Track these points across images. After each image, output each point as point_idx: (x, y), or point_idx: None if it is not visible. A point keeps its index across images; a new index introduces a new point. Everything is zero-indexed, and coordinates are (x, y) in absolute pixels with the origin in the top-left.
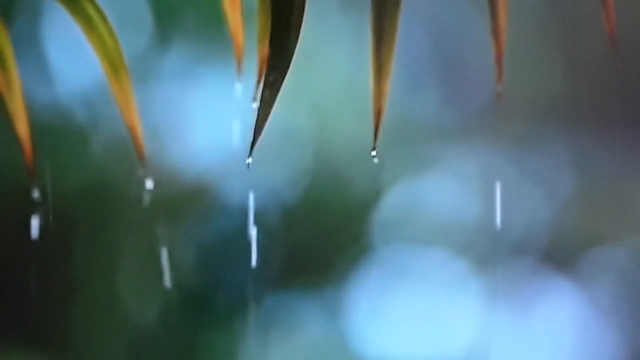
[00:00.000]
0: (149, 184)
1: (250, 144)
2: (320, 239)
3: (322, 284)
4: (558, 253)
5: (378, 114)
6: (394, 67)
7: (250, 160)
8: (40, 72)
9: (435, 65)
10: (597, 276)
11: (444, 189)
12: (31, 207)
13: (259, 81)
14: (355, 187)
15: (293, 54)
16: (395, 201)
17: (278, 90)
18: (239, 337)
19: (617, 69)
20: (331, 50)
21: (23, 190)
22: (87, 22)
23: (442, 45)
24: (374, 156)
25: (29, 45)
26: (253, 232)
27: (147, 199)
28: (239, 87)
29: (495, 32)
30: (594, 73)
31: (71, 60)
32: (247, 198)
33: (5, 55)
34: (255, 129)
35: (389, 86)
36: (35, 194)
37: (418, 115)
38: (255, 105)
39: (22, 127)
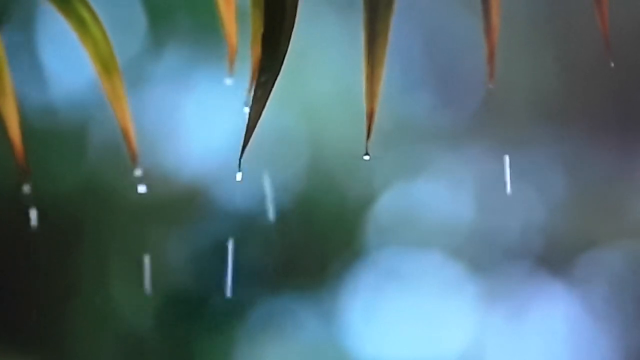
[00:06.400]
0: (142, 188)
1: (242, 145)
2: (314, 242)
3: (316, 287)
4: (552, 256)
5: (371, 116)
6: (387, 70)
7: (241, 161)
8: (33, 75)
9: (428, 67)
10: (591, 279)
11: (437, 192)
12: (24, 209)
13: (251, 84)
14: (349, 190)
15: (285, 55)
16: (389, 204)
17: (270, 91)
18: (233, 340)
19: (610, 70)
20: (324, 53)
21: (17, 193)
22: (80, 25)
23: (435, 48)
24: (366, 154)
25: (23, 48)
26: (241, 234)
27: (140, 197)
28: (229, 84)
29: (488, 31)
30: (587, 75)
31: (65, 63)
32: (240, 201)
33: None
34: (247, 129)
35: (382, 88)
36: (28, 196)
37: (411, 118)
38: (247, 109)
39: (15, 132)
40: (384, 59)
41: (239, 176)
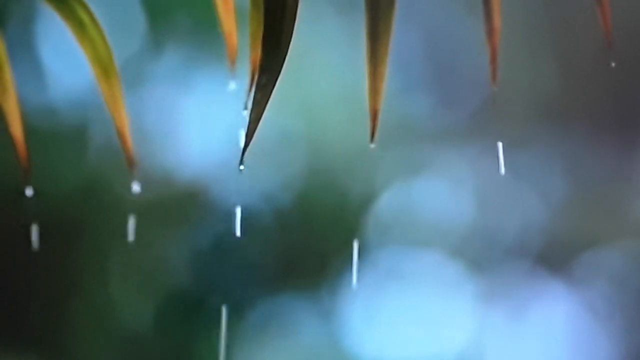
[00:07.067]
0: (136, 187)
1: (242, 147)
2: (314, 242)
3: (316, 286)
4: (552, 255)
5: (374, 114)
6: (388, 69)
7: (242, 163)
8: (34, 75)
9: (429, 67)
10: (591, 278)
11: (438, 191)
12: (25, 209)
13: (250, 84)
14: (349, 189)
15: (285, 57)
16: (389, 203)
17: (270, 93)
18: (233, 340)
19: (610, 70)
20: (324, 53)
21: (18, 194)
22: (79, 27)
23: (436, 48)
24: (370, 149)
25: (23, 48)
26: (241, 233)
27: (139, 197)
28: (232, 87)
29: (490, 33)
30: (587, 75)
31: (65, 64)
32: (240, 201)
33: None
34: (247, 131)
35: (385, 86)
36: (30, 193)
37: (412, 117)
38: (246, 112)
39: (17, 129)
40: (387, 57)
41: (241, 167)
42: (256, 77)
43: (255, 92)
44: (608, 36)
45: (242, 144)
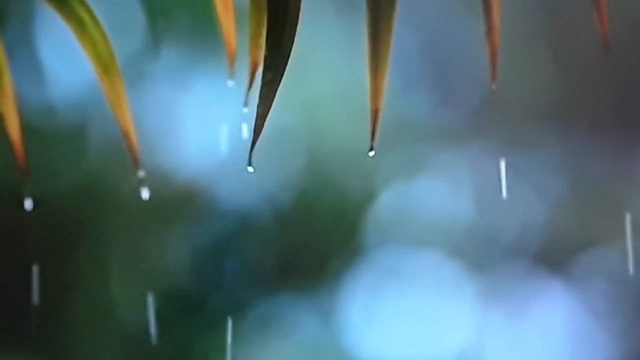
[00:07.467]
0: (145, 193)
1: (250, 143)
2: (314, 241)
3: (315, 286)
4: (551, 255)
5: (375, 113)
6: (388, 69)
7: (250, 160)
8: (33, 75)
9: (428, 67)
10: (591, 278)
11: (437, 191)
12: (25, 209)
13: (250, 84)
14: (348, 189)
15: (290, 51)
16: (388, 203)
17: (276, 89)
18: (232, 339)
19: (609, 70)
20: (324, 52)
21: (16, 193)
22: (79, 26)
23: (435, 48)
24: (371, 155)
25: (23, 48)
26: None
27: (136, 201)
28: (230, 85)
29: (489, 32)
30: (587, 75)
31: (65, 63)
32: (240, 200)
33: None
34: (254, 127)
35: (385, 85)
36: (28, 197)
37: (411, 117)
38: (246, 110)
39: (14, 129)
40: (388, 57)
41: (250, 169)
42: (261, 73)
43: (261, 88)
44: (604, 37)
45: (248, 140)
